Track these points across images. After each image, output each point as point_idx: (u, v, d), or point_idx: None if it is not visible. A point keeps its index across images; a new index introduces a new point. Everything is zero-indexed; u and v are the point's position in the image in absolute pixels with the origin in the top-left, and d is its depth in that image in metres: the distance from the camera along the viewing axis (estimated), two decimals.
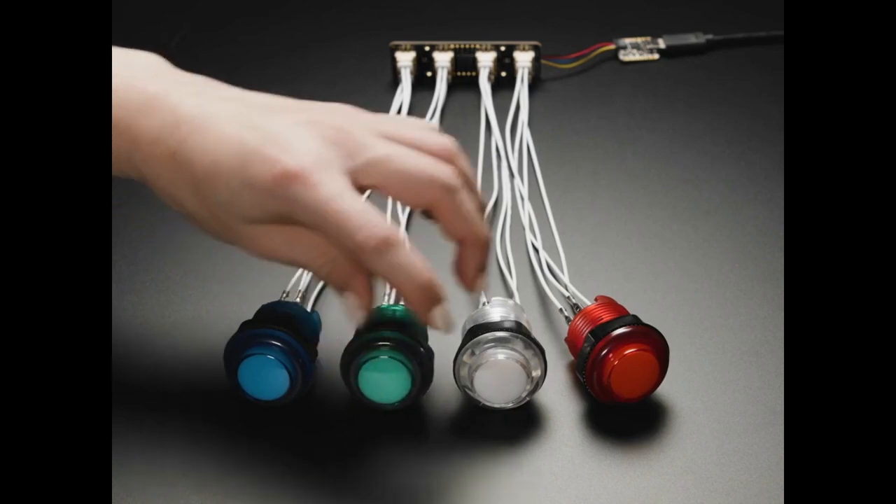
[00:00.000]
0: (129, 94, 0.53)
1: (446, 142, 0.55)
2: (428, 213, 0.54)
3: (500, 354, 0.56)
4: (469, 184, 0.55)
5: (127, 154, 0.53)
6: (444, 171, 0.53)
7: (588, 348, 0.56)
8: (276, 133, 0.52)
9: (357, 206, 0.51)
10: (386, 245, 0.51)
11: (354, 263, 0.52)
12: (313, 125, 0.53)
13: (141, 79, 0.54)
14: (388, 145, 0.53)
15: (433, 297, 0.53)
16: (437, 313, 0.53)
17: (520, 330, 0.56)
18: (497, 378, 0.56)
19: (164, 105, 0.53)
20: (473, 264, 0.55)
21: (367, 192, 0.55)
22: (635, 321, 0.56)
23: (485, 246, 0.55)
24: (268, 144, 0.51)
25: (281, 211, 0.51)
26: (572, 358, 0.59)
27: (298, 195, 0.51)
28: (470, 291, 0.56)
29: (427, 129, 0.56)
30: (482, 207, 0.56)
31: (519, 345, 0.56)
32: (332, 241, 0.52)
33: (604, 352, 0.56)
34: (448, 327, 0.54)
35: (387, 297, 0.61)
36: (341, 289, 0.53)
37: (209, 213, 0.53)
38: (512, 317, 0.57)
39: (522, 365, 0.56)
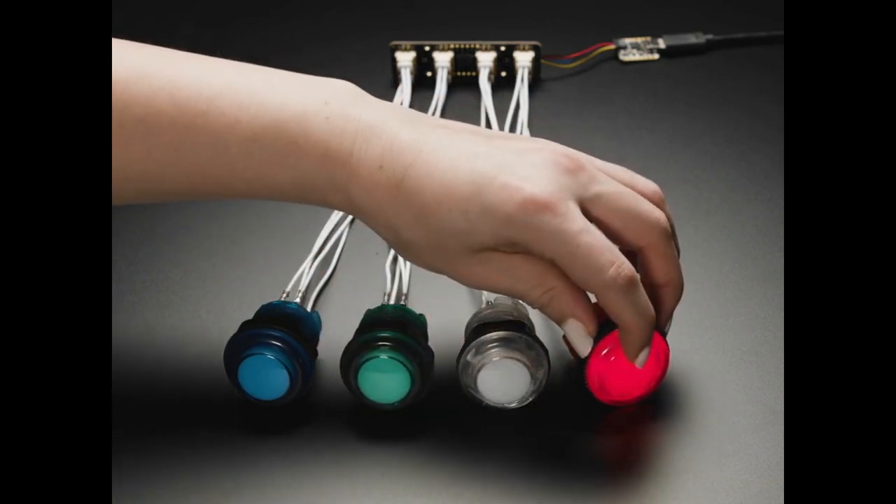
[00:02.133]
0: (343, 122, 0.53)
1: (656, 187, 0.56)
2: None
3: (504, 354, 0.56)
4: (674, 229, 0.56)
5: (343, 183, 0.53)
6: (662, 217, 0.54)
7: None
8: (508, 160, 0.52)
9: (605, 242, 0.52)
10: (632, 285, 0.52)
11: (577, 292, 0.53)
12: (541, 151, 0.53)
13: (351, 105, 0.53)
14: (614, 182, 0.54)
15: (649, 339, 0.54)
16: (643, 354, 0.54)
17: (524, 330, 0.56)
18: (501, 378, 0.56)
19: (384, 133, 0.52)
20: (670, 308, 0.56)
21: None
22: None
23: (682, 291, 0.56)
24: (504, 171, 0.51)
25: (518, 239, 0.52)
26: (571, 358, 0.58)
27: (545, 224, 0.51)
28: (664, 331, 0.57)
29: (632, 172, 0.56)
30: (679, 252, 0.57)
31: (523, 345, 0.56)
32: (571, 274, 0.52)
33: (604, 352, 0.56)
34: (642, 365, 0.55)
35: (387, 297, 0.61)
36: (564, 317, 0.54)
37: (431, 242, 0.53)
38: (515, 316, 0.57)
39: (526, 365, 0.56)
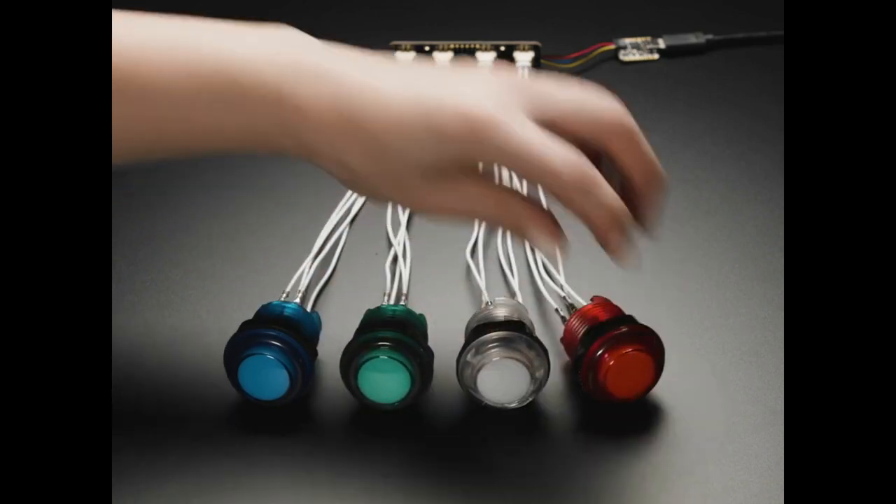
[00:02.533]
0: (293, 68, 0.53)
1: (608, 95, 0.54)
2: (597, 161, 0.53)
3: (504, 354, 0.56)
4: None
5: (293, 126, 0.53)
6: (619, 107, 0.53)
7: (583, 349, 0.56)
8: (454, 84, 0.52)
9: (555, 145, 0.51)
10: (591, 183, 0.51)
11: (529, 203, 0.53)
12: (482, 74, 0.53)
13: (301, 49, 0.54)
14: (563, 87, 0.53)
15: (623, 231, 0.53)
16: (628, 250, 0.53)
17: (523, 330, 0.56)
18: (501, 378, 0.56)
19: (330, 74, 0.53)
20: (653, 203, 0.54)
21: None
22: (630, 321, 0.56)
23: (661, 181, 0.54)
24: (450, 94, 0.52)
25: (468, 157, 0.52)
26: (568, 358, 0.58)
27: (493, 138, 0.51)
28: (649, 234, 0.55)
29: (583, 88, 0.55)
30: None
31: (523, 345, 0.56)
32: (528, 179, 0.52)
33: (599, 352, 0.56)
34: (636, 262, 0.54)
35: (387, 297, 0.61)
36: (524, 229, 0.53)
37: (383, 171, 0.52)
38: (515, 317, 0.57)
39: (526, 365, 0.56)
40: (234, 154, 0.55)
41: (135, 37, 0.53)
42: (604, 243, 0.53)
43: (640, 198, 0.54)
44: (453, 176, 0.52)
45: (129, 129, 0.53)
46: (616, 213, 0.52)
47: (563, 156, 0.51)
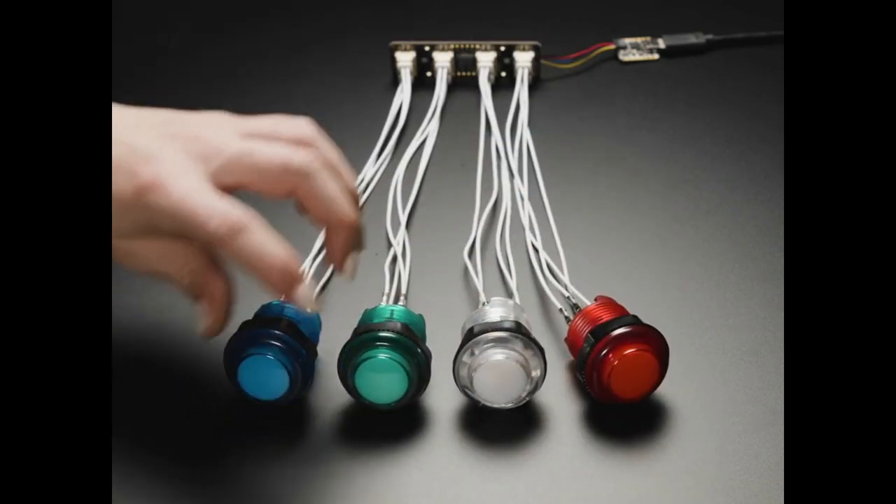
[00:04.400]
0: None
1: (302, 126, 0.55)
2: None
3: (500, 354, 0.56)
4: (331, 165, 0.55)
5: None
6: (297, 157, 0.54)
7: (588, 348, 0.56)
8: (138, 147, 0.53)
9: (207, 199, 0.52)
10: (237, 230, 0.52)
11: (212, 271, 0.54)
12: (175, 138, 0.53)
13: None
14: (242, 142, 0.54)
15: (291, 278, 0.53)
16: (299, 293, 0.53)
17: (519, 330, 0.56)
18: (496, 378, 0.56)
19: None
20: (339, 245, 0.55)
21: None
22: (635, 321, 0.56)
23: (350, 227, 0.55)
24: (129, 158, 0.52)
25: (145, 222, 0.52)
26: (572, 358, 0.58)
27: (154, 202, 0.51)
28: (341, 273, 0.56)
29: (285, 119, 0.56)
30: (352, 188, 0.56)
31: (518, 345, 0.56)
32: (192, 240, 0.52)
33: (604, 352, 0.56)
34: (314, 307, 0.54)
35: (385, 297, 0.61)
36: (197, 296, 0.54)
37: None
38: (511, 317, 0.57)
39: (522, 365, 0.56)
40: None
41: None
42: (268, 289, 0.53)
43: (327, 240, 0.55)
44: (153, 234, 0.53)
45: None
46: (274, 259, 0.52)
47: (209, 211, 0.51)
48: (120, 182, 0.52)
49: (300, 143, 0.55)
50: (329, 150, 0.55)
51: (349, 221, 0.55)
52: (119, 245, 0.54)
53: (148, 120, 0.55)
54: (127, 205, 0.52)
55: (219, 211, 0.51)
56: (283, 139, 0.54)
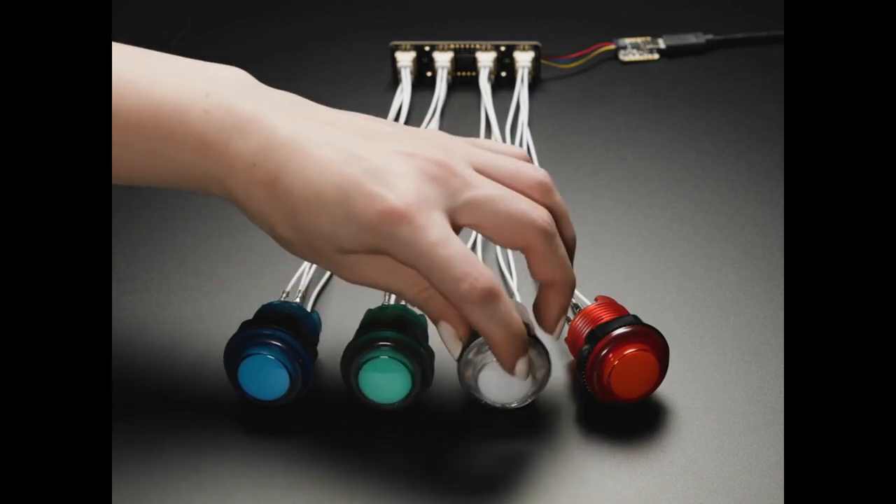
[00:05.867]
0: (222, 114, 0.52)
1: (542, 177, 0.55)
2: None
3: None
4: (563, 219, 0.55)
5: (220, 176, 0.53)
6: (541, 216, 0.53)
7: (588, 348, 0.56)
8: (378, 166, 0.51)
9: (461, 254, 0.51)
10: (490, 298, 0.51)
11: None
12: (412, 158, 0.52)
13: (233, 97, 0.53)
14: (488, 185, 0.53)
15: (522, 351, 0.53)
16: (521, 366, 0.54)
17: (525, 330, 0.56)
18: (502, 377, 0.56)
19: (262, 128, 0.52)
20: (558, 307, 0.55)
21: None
22: (635, 321, 0.56)
23: (572, 289, 0.55)
24: (370, 179, 0.51)
25: (380, 247, 0.51)
26: (572, 358, 0.58)
27: (402, 236, 0.50)
28: (552, 335, 0.56)
29: (521, 159, 0.56)
30: (573, 243, 0.56)
31: None
32: (431, 285, 0.52)
33: (604, 352, 0.56)
34: (527, 377, 0.54)
35: (387, 297, 0.61)
36: (436, 319, 0.54)
37: (302, 241, 0.53)
38: None
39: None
40: (169, 189, 0.55)
41: None
42: (499, 359, 0.53)
43: (545, 301, 0.55)
44: (380, 253, 0.52)
45: None
46: (512, 330, 0.52)
47: (465, 268, 0.51)
48: (359, 202, 0.51)
49: (538, 192, 0.54)
50: (562, 202, 0.55)
51: (573, 284, 0.55)
52: (338, 258, 0.52)
53: (366, 127, 0.54)
54: (364, 227, 0.51)
55: (474, 273, 0.51)
56: (522, 185, 0.54)
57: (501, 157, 0.55)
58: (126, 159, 0.53)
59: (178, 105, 0.52)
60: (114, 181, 0.54)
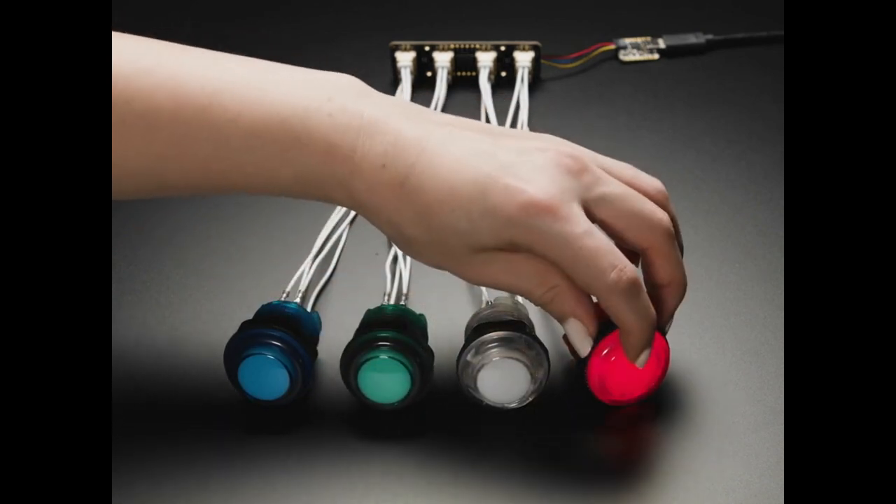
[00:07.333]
0: (347, 118, 0.52)
1: (660, 185, 0.56)
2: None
3: (504, 354, 0.56)
4: (677, 226, 0.56)
5: (345, 179, 0.52)
6: (665, 217, 0.54)
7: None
8: (512, 161, 0.52)
9: (607, 245, 0.52)
10: (634, 287, 0.52)
11: (578, 292, 0.53)
12: (546, 152, 0.53)
13: (355, 101, 0.53)
14: (617, 183, 0.54)
15: (650, 342, 0.54)
16: (644, 357, 0.54)
17: (524, 330, 0.56)
18: (501, 378, 0.56)
19: (387, 129, 0.52)
20: (673, 306, 0.56)
21: None
22: None
23: (685, 290, 0.56)
24: (506, 173, 0.51)
25: (519, 241, 0.52)
26: (571, 358, 0.58)
27: (547, 227, 0.51)
28: (664, 330, 0.57)
29: (640, 172, 0.56)
30: (682, 251, 0.57)
31: (523, 345, 0.56)
32: (574, 276, 0.52)
33: (604, 352, 0.56)
34: (643, 366, 0.55)
35: (387, 297, 0.61)
36: (565, 317, 0.54)
37: (433, 240, 0.53)
38: (515, 316, 0.57)
39: (526, 365, 0.56)
40: (288, 196, 0.55)
41: (174, 70, 0.52)
42: (628, 347, 0.54)
43: (661, 302, 0.55)
44: (505, 250, 0.52)
45: (170, 167, 0.53)
46: (650, 320, 0.53)
47: (611, 258, 0.52)
48: (498, 196, 0.51)
49: (658, 199, 0.55)
50: (674, 211, 0.56)
51: (686, 284, 0.56)
52: (466, 257, 0.53)
53: (484, 127, 0.54)
54: (504, 220, 0.51)
55: (620, 264, 0.52)
56: (642, 191, 0.55)
57: (620, 162, 0.56)
58: (249, 165, 0.53)
59: (302, 109, 0.52)
60: (230, 190, 0.54)
